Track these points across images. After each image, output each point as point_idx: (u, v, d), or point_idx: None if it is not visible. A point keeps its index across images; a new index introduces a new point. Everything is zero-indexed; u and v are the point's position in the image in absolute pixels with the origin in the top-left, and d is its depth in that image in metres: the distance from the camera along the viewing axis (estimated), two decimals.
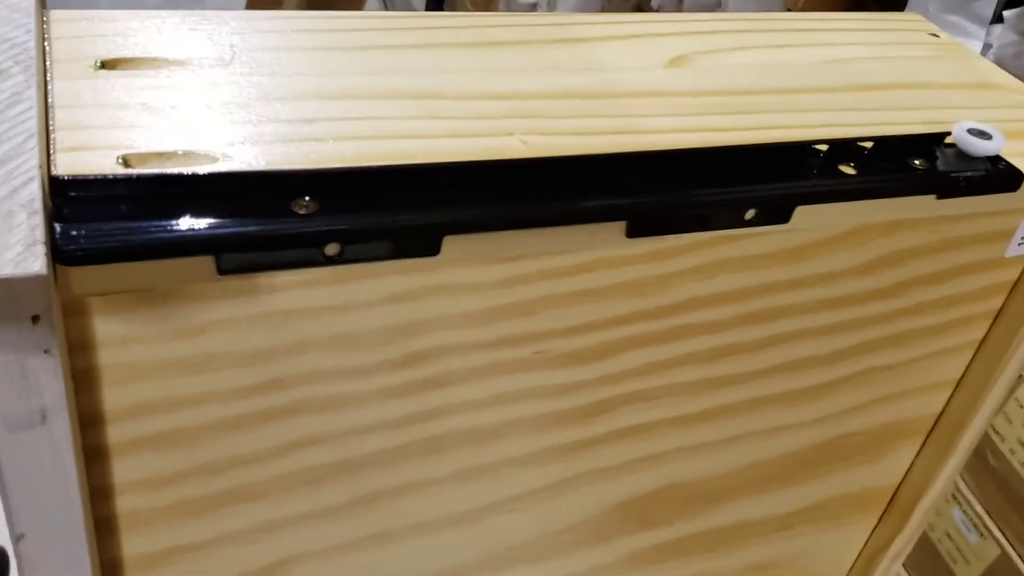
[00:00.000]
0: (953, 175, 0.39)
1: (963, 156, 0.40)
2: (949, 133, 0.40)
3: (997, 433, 0.94)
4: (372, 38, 0.41)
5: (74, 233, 0.27)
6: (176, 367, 0.32)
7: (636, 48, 0.45)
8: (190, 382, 0.33)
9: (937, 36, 0.52)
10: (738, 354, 0.44)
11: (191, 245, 0.28)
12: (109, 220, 0.27)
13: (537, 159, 0.34)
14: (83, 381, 0.30)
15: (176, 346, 0.32)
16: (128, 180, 0.28)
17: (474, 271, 0.35)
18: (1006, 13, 1.02)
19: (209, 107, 0.34)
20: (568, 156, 0.35)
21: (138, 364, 0.31)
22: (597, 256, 0.37)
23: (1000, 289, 0.48)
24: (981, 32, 1.06)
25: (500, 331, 0.37)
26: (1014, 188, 0.40)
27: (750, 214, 0.36)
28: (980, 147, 0.40)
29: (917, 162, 0.39)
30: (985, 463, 0.96)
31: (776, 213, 0.36)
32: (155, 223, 0.28)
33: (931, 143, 0.40)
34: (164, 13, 0.40)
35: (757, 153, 0.37)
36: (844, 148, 0.38)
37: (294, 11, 0.41)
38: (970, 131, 0.40)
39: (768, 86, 0.43)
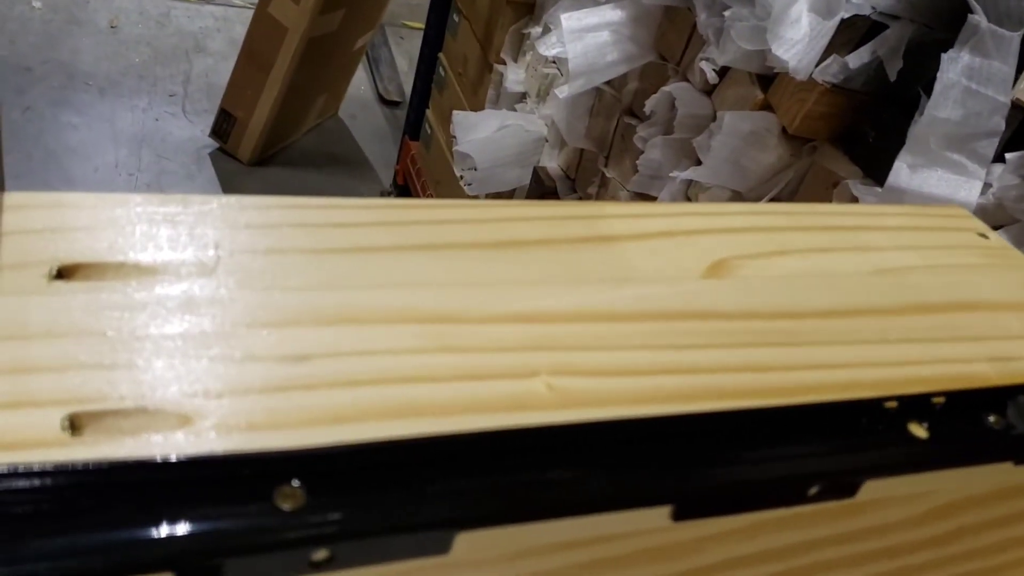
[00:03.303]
0: None
1: None
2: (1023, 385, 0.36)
3: None
4: (374, 236, 0.36)
5: None
6: None
7: (670, 250, 0.40)
8: None
9: (986, 237, 0.48)
10: None
11: (146, 564, 0.22)
12: (40, 532, 0.22)
13: (565, 427, 0.29)
14: None
15: None
16: (68, 472, 0.23)
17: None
18: (1008, 155, 1.00)
19: (184, 338, 0.29)
20: (602, 421, 0.29)
21: None
22: None
23: None
24: (982, 172, 1.04)
25: None
26: None
27: (813, 490, 0.31)
28: None
29: (992, 419, 0.34)
30: None
31: (842, 488, 0.31)
32: (101, 534, 0.22)
33: (1005, 396, 0.35)
34: (136, 198, 0.35)
35: (822, 414, 0.32)
36: (914, 404, 0.33)
37: (287, 198, 0.36)
38: None
39: (817, 306, 0.39)
